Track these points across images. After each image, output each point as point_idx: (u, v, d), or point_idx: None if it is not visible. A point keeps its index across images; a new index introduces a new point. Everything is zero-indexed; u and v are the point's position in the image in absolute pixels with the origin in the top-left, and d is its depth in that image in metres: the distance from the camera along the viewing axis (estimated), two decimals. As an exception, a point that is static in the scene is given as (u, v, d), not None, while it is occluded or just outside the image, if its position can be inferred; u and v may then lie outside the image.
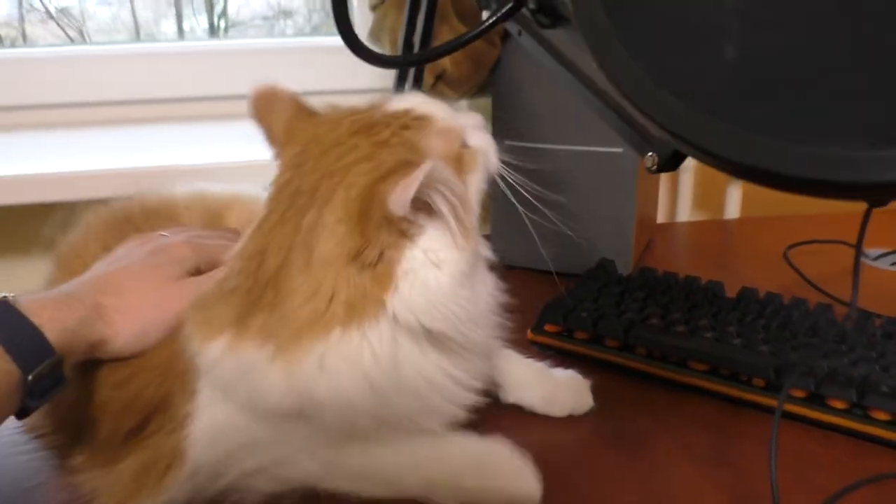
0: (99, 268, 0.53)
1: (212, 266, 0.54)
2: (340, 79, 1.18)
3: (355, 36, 0.49)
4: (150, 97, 1.13)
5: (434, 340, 0.47)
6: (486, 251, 0.53)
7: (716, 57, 0.26)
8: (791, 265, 0.86)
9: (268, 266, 0.47)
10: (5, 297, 0.46)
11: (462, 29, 0.77)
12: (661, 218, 1.14)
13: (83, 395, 0.51)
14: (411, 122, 0.49)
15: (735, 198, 1.15)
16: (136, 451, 0.50)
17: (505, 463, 0.50)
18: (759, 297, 0.72)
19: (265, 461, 0.49)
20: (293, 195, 0.48)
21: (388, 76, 0.83)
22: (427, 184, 0.43)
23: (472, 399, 0.52)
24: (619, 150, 0.81)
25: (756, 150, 0.24)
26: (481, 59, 0.79)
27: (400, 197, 0.43)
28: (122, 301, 0.49)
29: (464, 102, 1.01)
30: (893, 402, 0.55)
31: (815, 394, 0.58)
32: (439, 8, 0.73)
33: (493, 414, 0.58)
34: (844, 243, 0.92)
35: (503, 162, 0.52)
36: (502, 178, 0.53)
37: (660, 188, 1.04)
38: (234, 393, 0.47)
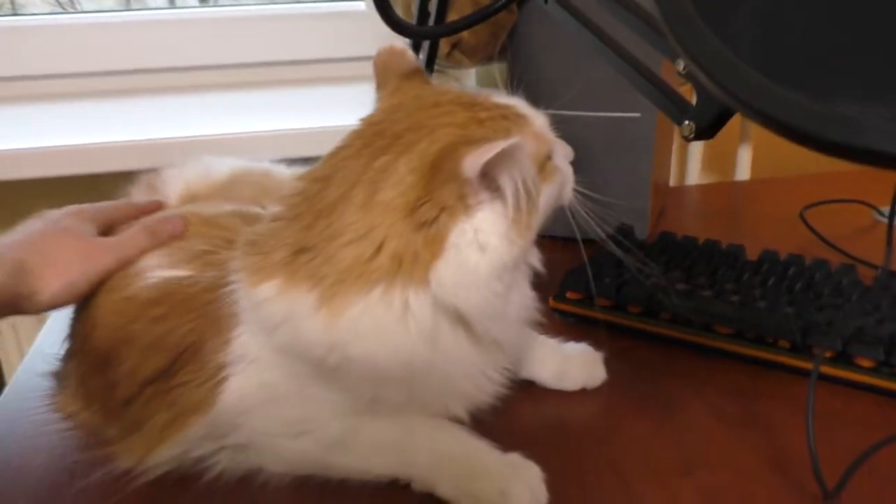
0: (11, 235, 0.54)
1: (111, 226, 0.59)
2: (334, 46, 1.17)
3: (390, 7, 0.49)
4: (141, 67, 1.13)
5: (466, 326, 0.48)
6: (535, 261, 0.53)
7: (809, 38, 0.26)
8: (808, 226, 0.87)
9: (328, 194, 0.47)
10: None
11: (479, -5, 0.76)
12: (672, 181, 1.14)
13: (114, 330, 0.52)
14: (511, 115, 0.50)
15: (745, 159, 1.15)
16: (164, 408, 0.50)
17: (510, 483, 0.47)
18: (780, 259, 0.73)
19: (292, 416, 0.49)
20: (376, 135, 0.48)
21: (395, 41, 0.83)
22: (505, 158, 0.44)
23: (497, 389, 0.53)
24: (637, 114, 0.81)
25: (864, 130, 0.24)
26: (498, 25, 0.78)
27: (476, 159, 0.43)
28: (46, 258, 0.52)
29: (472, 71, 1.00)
30: (920, 361, 0.56)
31: (842, 353, 0.59)
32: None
33: (523, 385, 0.59)
34: (859, 202, 0.92)
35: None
36: (572, 211, 0.53)
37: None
38: (275, 336, 0.47)
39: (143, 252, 0.55)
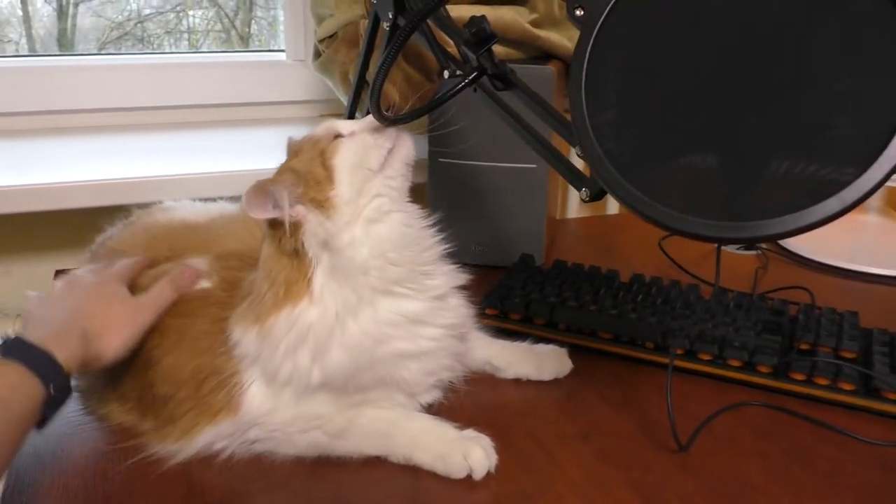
0: (59, 303, 0.65)
1: (133, 280, 0.70)
2: (272, 91, 1.29)
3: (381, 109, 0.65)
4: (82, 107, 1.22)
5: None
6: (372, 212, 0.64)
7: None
8: (664, 253, 1.09)
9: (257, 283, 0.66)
10: (17, 336, 0.58)
11: (410, 69, 0.94)
12: (557, 215, 1.35)
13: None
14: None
15: (615, 196, 1.37)
16: (195, 409, 0.63)
17: (471, 449, 0.63)
18: (645, 281, 0.94)
19: (305, 413, 0.63)
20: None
21: (312, 88, 1.05)
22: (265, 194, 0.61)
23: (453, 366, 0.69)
24: (534, 166, 1.00)
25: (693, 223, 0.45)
26: (424, 92, 0.96)
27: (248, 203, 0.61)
28: (102, 322, 0.63)
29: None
30: (742, 353, 0.78)
31: (689, 350, 0.80)
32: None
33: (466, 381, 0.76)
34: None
35: None
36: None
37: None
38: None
39: (171, 302, 0.68)
